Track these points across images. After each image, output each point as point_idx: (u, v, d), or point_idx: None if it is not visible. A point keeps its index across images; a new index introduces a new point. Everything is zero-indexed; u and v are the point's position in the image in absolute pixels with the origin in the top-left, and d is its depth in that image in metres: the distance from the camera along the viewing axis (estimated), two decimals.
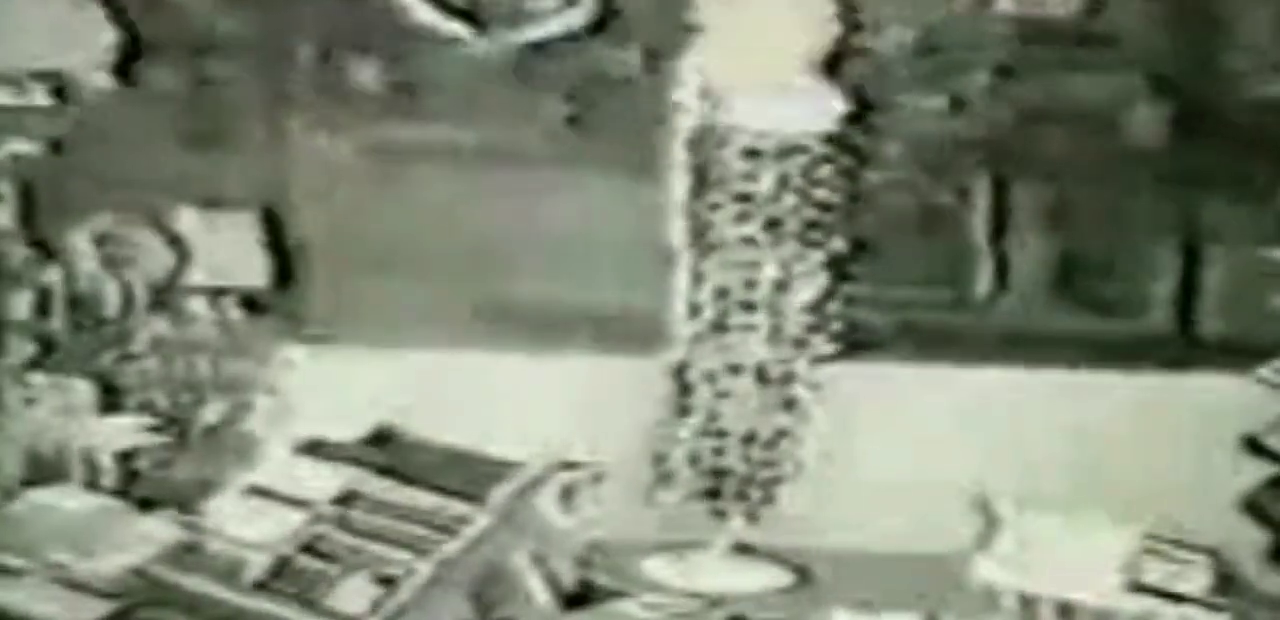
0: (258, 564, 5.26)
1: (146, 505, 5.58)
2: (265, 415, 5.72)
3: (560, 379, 5.57)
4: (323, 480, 5.53)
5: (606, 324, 5.59)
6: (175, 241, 5.63)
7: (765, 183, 5.46)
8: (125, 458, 5.70)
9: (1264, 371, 5.45)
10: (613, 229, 5.55)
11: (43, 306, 5.69)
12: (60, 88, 5.50)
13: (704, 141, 5.46)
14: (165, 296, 5.70)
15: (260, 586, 5.22)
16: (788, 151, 5.44)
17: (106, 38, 5.46)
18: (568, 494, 5.55)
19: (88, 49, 5.46)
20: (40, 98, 5.50)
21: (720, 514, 5.65)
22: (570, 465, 5.56)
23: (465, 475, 5.56)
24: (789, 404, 5.61)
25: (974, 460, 5.49)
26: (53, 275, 5.66)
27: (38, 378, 5.73)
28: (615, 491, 5.58)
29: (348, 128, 5.55)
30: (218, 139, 5.56)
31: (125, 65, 5.50)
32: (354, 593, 5.19)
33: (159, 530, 5.43)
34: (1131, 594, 5.24)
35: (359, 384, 5.60)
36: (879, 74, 5.40)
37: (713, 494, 5.66)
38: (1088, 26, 5.32)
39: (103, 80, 5.48)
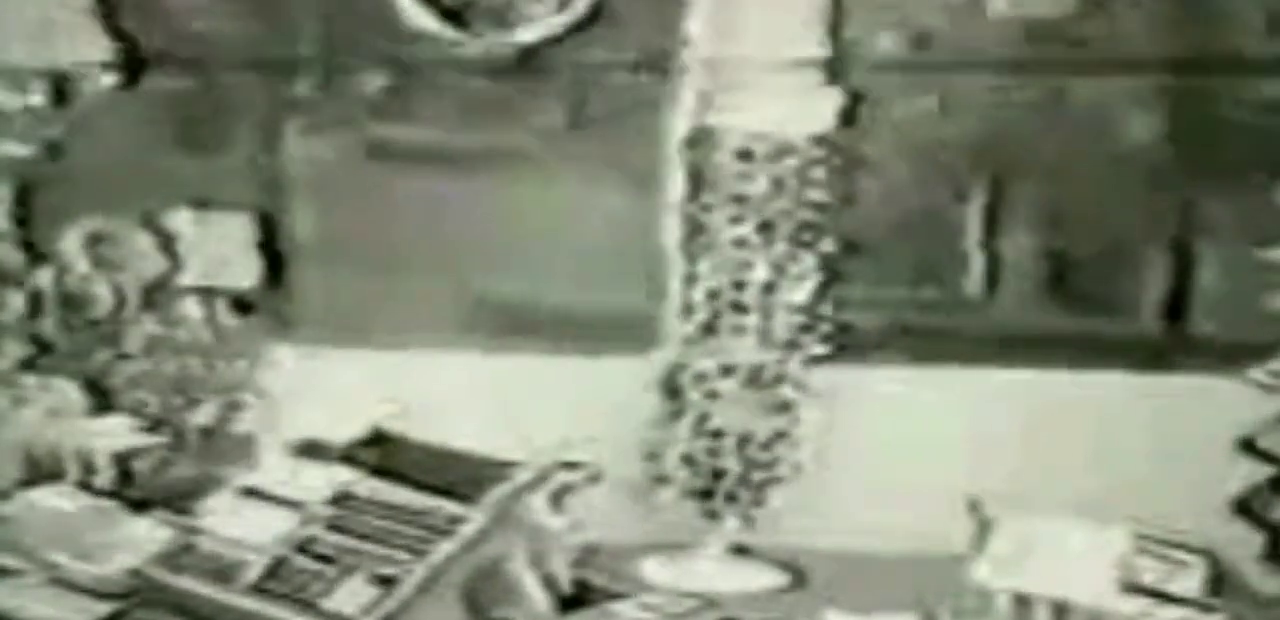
0: (253, 565, 5.26)
1: (141, 506, 5.57)
2: (258, 416, 5.72)
3: (553, 380, 5.57)
4: (317, 481, 5.52)
5: (599, 324, 5.59)
6: (168, 243, 5.63)
7: (759, 184, 5.46)
8: (119, 459, 5.70)
9: (1257, 373, 5.46)
10: (606, 230, 5.55)
11: (35, 308, 5.68)
12: (55, 89, 5.50)
13: (698, 143, 5.46)
14: (157, 297, 5.70)
15: (256, 588, 5.21)
16: (782, 153, 5.44)
17: (102, 39, 5.45)
18: (563, 495, 5.55)
19: (83, 50, 5.45)
20: (35, 99, 5.50)
21: (714, 515, 5.66)
22: (565, 466, 5.56)
23: (460, 476, 5.55)
24: (782, 405, 5.61)
25: (967, 461, 5.49)
26: (45, 277, 5.66)
27: (29, 379, 5.71)
28: (610, 492, 5.58)
29: (342, 130, 5.55)
30: (212, 140, 5.56)
31: (120, 67, 5.49)
32: (350, 594, 5.18)
33: (154, 531, 5.42)
34: (1126, 595, 5.25)
35: (352, 385, 5.60)
36: (873, 75, 5.40)
37: (707, 495, 5.66)
38: (1083, 27, 5.34)
39: (98, 82, 5.48)
